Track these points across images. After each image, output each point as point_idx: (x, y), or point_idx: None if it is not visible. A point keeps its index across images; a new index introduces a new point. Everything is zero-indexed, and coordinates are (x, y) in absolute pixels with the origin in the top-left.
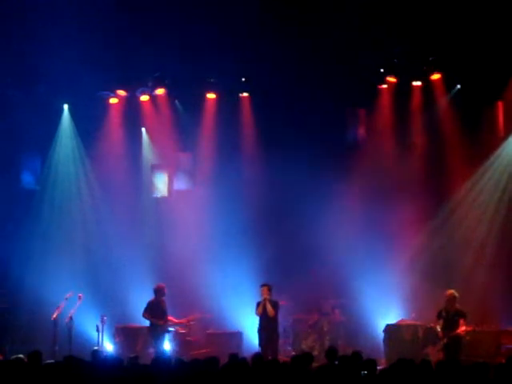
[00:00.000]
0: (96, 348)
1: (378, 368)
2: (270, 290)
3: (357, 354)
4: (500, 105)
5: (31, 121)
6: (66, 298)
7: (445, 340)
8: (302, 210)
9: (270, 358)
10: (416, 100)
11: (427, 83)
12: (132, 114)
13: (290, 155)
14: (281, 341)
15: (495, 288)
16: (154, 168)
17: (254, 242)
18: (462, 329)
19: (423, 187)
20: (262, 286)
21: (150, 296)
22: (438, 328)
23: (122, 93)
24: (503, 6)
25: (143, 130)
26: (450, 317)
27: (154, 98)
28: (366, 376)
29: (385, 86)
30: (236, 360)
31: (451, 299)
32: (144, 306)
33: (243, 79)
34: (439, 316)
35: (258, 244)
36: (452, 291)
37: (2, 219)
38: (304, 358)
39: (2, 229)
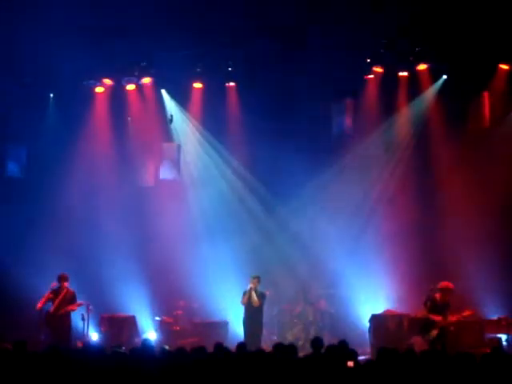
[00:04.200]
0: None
1: (364, 358)
2: (258, 281)
3: (343, 343)
4: (486, 95)
5: (17, 110)
6: (52, 288)
7: (438, 330)
8: (289, 200)
9: (253, 347)
10: (402, 90)
11: (413, 74)
12: (118, 103)
13: (277, 145)
14: (266, 331)
15: (481, 278)
16: (140, 157)
17: (240, 230)
18: (454, 318)
19: (410, 177)
20: (252, 277)
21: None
22: (432, 316)
23: (108, 82)
24: None
25: (129, 119)
26: (441, 308)
27: (140, 88)
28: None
29: (371, 76)
30: (221, 350)
31: (448, 291)
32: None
33: (230, 69)
34: (433, 305)
35: (244, 233)
36: (448, 283)
37: None
38: (287, 347)
39: None
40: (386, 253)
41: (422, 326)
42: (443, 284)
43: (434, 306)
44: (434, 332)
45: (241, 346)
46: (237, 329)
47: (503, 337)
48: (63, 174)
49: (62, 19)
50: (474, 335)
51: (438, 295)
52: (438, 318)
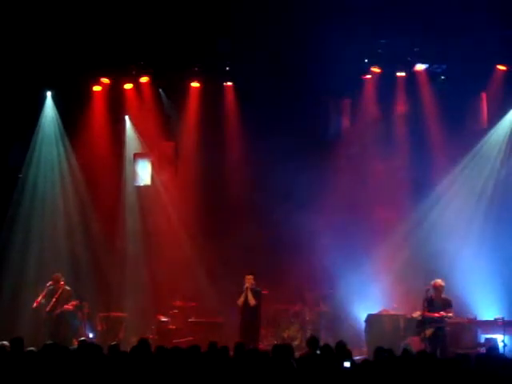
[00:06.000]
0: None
1: (360, 358)
2: (253, 278)
3: (341, 344)
4: (484, 96)
5: (14, 107)
6: (48, 286)
7: (431, 330)
8: (286, 200)
9: (250, 347)
10: (400, 90)
11: (411, 74)
12: (116, 102)
13: (275, 144)
14: (263, 330)
15: (474, 279)
16: (137, 156)
17: (238, 230)
18: (450, 315)
19: (406, 177)
20: (247, 274)
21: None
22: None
23: (105, 80)
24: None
25: (127, 118)
26: (437, 306)
27: (137, 86)
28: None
29: (369, 76)
30: (216, 348)
31: (440, 288)
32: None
33: (227, 68)
34: (429, 304)
35: (242, 233)
36: (439, 280)
37: None
38: (284, 347)
39: None
40: (381, 252)
41: (417, 324)
42: (435, 282)
43: (431, 305)
44: (429, 331)
45: (239, 346)
46: (234, 329)
47: (499, 337)
48: (60, 172)
49: (61, 18)
50: (469, 336)
51: (432, 294)
52: (435, 315)
